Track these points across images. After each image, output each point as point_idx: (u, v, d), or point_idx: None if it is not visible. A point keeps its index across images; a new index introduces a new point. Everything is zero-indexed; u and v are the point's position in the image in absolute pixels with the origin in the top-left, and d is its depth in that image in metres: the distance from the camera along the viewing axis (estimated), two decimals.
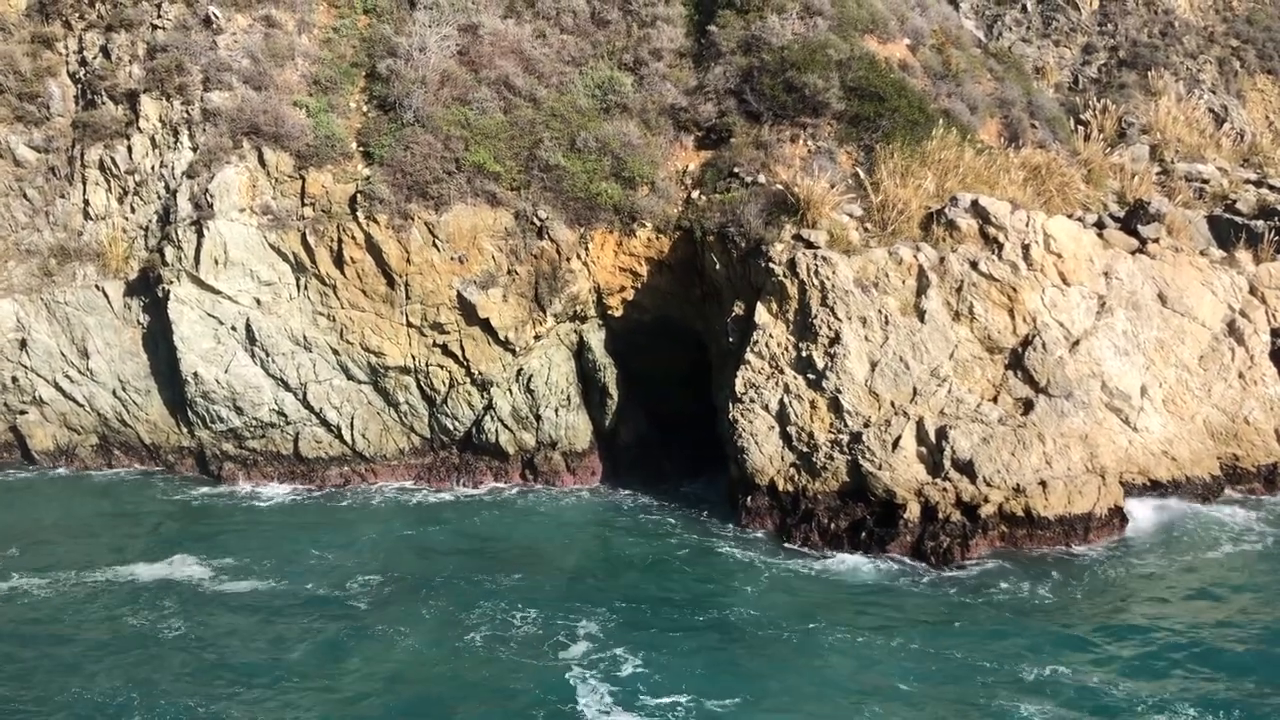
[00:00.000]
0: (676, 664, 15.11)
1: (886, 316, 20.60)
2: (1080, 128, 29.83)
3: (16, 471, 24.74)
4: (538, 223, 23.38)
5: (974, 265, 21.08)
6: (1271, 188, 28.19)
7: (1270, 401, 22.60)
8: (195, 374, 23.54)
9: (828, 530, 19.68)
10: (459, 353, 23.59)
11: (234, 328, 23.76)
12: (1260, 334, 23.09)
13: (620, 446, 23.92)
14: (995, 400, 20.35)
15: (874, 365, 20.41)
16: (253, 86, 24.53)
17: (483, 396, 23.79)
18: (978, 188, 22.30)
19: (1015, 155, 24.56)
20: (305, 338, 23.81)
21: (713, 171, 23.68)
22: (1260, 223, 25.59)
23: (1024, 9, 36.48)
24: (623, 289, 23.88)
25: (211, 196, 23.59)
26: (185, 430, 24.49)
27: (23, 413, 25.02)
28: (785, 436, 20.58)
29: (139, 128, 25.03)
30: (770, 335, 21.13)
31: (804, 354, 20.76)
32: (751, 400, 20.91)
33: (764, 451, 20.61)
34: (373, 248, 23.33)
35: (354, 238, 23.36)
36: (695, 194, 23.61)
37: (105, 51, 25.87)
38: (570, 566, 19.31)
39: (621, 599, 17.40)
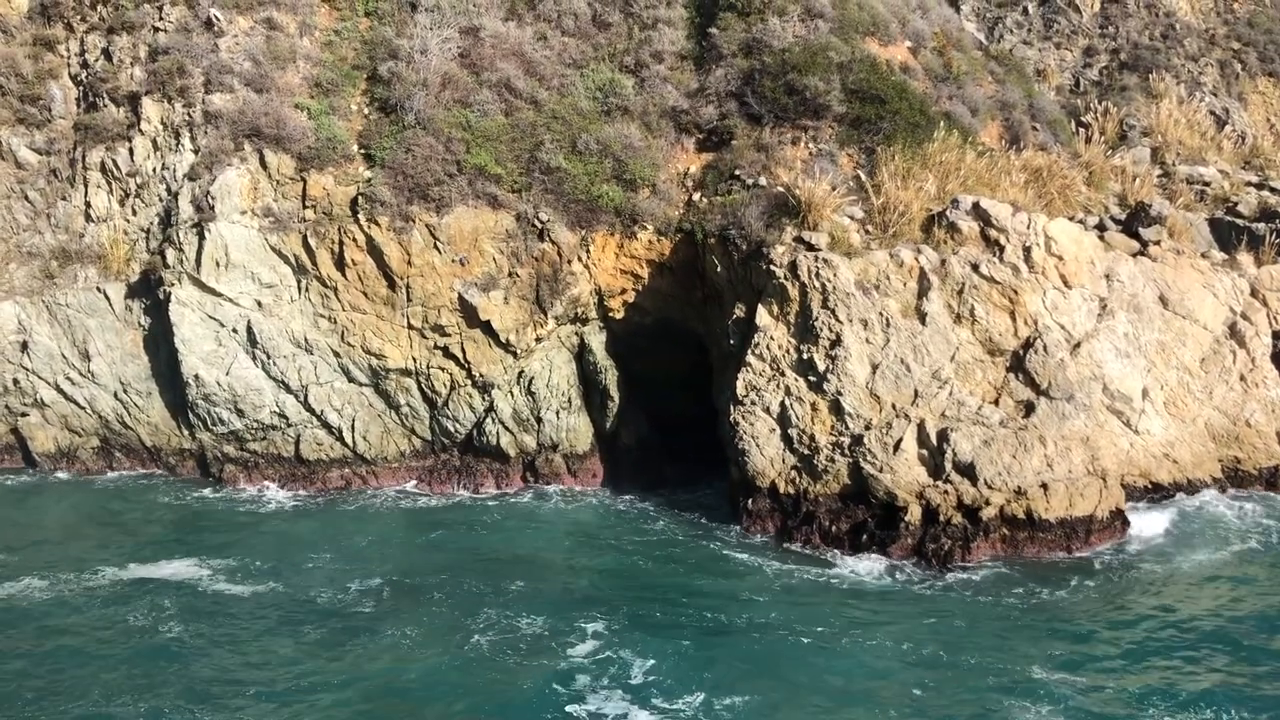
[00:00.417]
0: (683, 665, 15.15)
1: (887, 319, 20.60)
2: (1081, 130, 29.85)
3: (17, 474, 24.75)
4: (539, 225, 23.39)
5: (975, 268, 21.08)
6: (1273, 190, 28.22)
7: (1271, 404, 22.58)
8: (196, 376, 23.55)
9: (829, 532, 19.69)
10: (460, 355, 23.59)
11: (235, 330, 23.77)
12: (1261, 336, 23.09)
13: (621, 449, 23.92)
14: (996, 402, 20.34)
15: (875, 367, 20.40)
16: (254, 89, 24.55)
17: (484, 399, 23.80)
18: (979, 190, 22.31)
19: (1016, 158, 24.59)
20: (306, 340, 23.81)
21: (714, 174, 23.70)
22: (1261, 225, 25.65)
23: (1025, 12, 36.48)
24: (624, 291, 23.89)
25: (213, 199, 23.60)
26: (186, 432, 24.50)
27: (24, 415, 25.02)
28: (786, 439, 20.58)
29: (140, 130, 25.03)
30: (771, 337, 21.13)
31: (805, 356, 20.75)
32: (752, 402, 20.91)
33: (765, 454, 20.60)
34: (374, 250, 23.34)
35: (355, 240, 23.37)
36: (696, 196, 23.62)
37: (107, 54, 25.88)
38: (572, 569, 19.32)
39: (624, 601, 17.41)
